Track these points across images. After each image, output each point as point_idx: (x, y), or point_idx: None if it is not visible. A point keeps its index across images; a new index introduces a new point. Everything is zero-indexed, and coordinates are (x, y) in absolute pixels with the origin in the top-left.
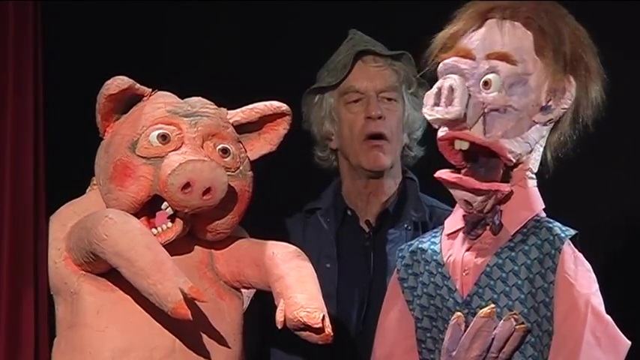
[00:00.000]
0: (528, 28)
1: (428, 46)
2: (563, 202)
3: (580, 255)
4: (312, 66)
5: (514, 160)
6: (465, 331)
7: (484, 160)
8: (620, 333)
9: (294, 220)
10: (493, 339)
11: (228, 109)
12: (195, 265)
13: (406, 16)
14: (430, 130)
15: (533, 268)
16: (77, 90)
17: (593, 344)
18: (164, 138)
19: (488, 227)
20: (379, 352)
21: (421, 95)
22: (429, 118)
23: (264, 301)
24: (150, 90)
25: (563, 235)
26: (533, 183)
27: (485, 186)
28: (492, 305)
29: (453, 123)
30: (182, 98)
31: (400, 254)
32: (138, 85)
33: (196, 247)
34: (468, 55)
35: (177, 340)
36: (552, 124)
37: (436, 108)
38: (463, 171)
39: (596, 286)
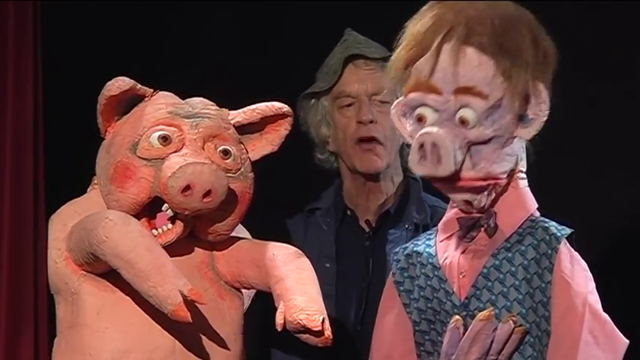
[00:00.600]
0: (486, 52)
1: None
2: (556, 201)
3: (576, 254)
4: (312, 66)
5: (506, 178)
6: (463, 334)
7: None
8: (618, 331)
9: (295, 220)
10: (492, 341)
11: (229, 109)
12: (196, 266)
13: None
14: None
15: (530, 269)
16: (77, 90)
17: (591, 343)
18: (165, 139)
19: (482, 229)
20: (377, 355)
21: None
22: (418, 173)
23: (264, 301)
24: (151, 90)
25: (559, 234)
26: (524, 183)
27: (484, 182)
28: (491, 308)
29: (445, 178)
30: (182, 99)
31: (395, 257)
32: (139, 86)
33: (197, 247)
34: (432, 90)
35: (178, 341)
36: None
37: (424, 162)
38: None
39: (593, 284)
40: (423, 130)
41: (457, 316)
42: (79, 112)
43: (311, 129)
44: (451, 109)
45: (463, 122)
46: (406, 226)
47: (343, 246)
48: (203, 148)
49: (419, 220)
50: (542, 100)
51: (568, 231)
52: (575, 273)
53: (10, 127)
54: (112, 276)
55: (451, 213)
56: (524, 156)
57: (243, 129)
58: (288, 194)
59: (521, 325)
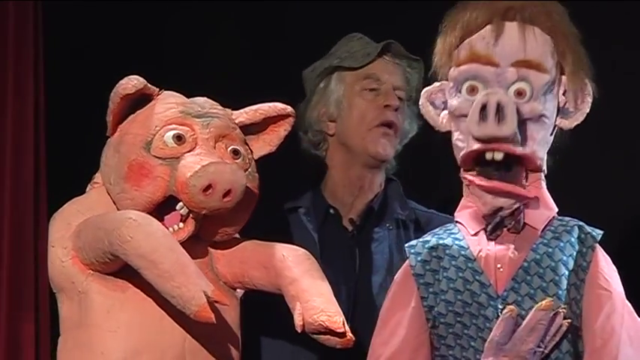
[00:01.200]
0: (548, 32)
1: (428, 50)
2: (562, 201)
3: (606, 255)
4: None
5: (540, 166)
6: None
7: (509, 166)
8: None
9: (277, 218)
10: (546, 332)
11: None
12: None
13: (406, 17)
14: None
15: (569, 265)
16: (77, 89)
17: (627, 343)
18: (179, 139)
19: (509, 226)
20: (383, 349)
21: (414, 109)
22: (476, 134)
23: (249, 302)
24: (157, 89)
25: (594, 233)
26: (544, 184)
27: (523, 192)
28: (550, 298)
29: (503, 139)
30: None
31: (413, 250)
32: (149, 85)
33: (196, 248)
34: (489, 61)
35: (187, 340)
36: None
37: (483, 123)
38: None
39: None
40: (486, 91)
41: (511, 307)
42: (80, 111)
43: (313, 106)
44: (506, 81)
45: (520, 94)
46: (387, 225)
47: (327, 245)
48: (214, 148)
49: (404, 216)
50: (587, 92)
51: (600, 232)
52: (612, 273)
53: (11, 127)
54: (120, 275)
55: (471, 211)
56: (545, 158)
57: (243, 129)
58: (272, 193)
59: (567, 318)
